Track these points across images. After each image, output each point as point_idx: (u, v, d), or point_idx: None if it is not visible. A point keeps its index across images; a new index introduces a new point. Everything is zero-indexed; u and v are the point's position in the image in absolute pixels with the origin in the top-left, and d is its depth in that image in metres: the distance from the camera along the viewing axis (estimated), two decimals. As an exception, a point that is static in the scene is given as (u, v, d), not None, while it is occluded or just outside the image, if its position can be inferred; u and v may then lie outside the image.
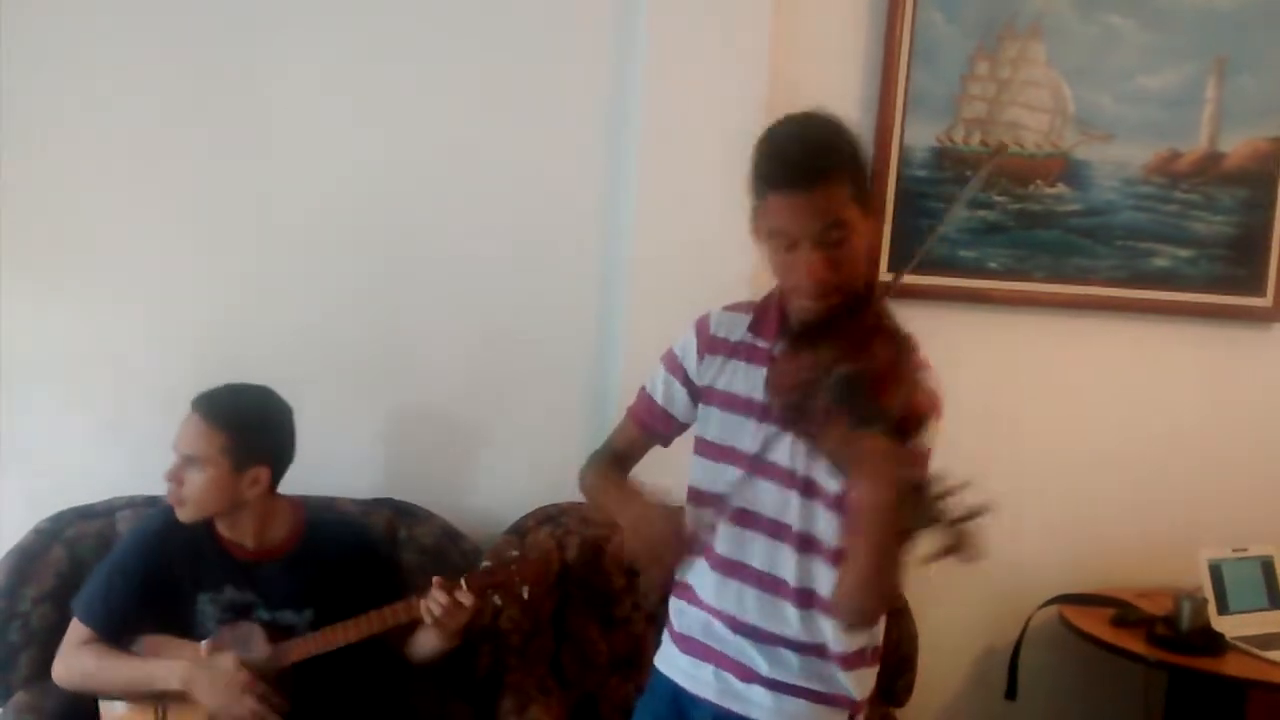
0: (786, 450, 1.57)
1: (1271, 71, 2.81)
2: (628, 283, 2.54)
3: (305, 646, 2.02)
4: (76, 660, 2.06)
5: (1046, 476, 2.84)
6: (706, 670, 1.66)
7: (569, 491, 2.52)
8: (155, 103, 2.43)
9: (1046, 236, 2.78)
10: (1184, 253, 2.83)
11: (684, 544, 1.62)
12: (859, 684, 1.64)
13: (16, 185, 2.39)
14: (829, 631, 1.59)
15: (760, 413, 1.59)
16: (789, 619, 1.59)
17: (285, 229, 2.50)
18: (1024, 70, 2.72)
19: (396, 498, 2.51)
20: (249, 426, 2.05)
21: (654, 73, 2.50)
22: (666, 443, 1.77)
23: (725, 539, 1.63)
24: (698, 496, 1.67)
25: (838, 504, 1.53)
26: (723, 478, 1.62)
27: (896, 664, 2.52)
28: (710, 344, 1.67)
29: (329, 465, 2.41)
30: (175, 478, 2.04)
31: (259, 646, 2.03)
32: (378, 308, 2.55)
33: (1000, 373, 2.81)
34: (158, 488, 2.34)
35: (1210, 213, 2.83)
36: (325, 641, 2.02)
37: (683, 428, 1.74)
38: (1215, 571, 2.62)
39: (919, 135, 2.70)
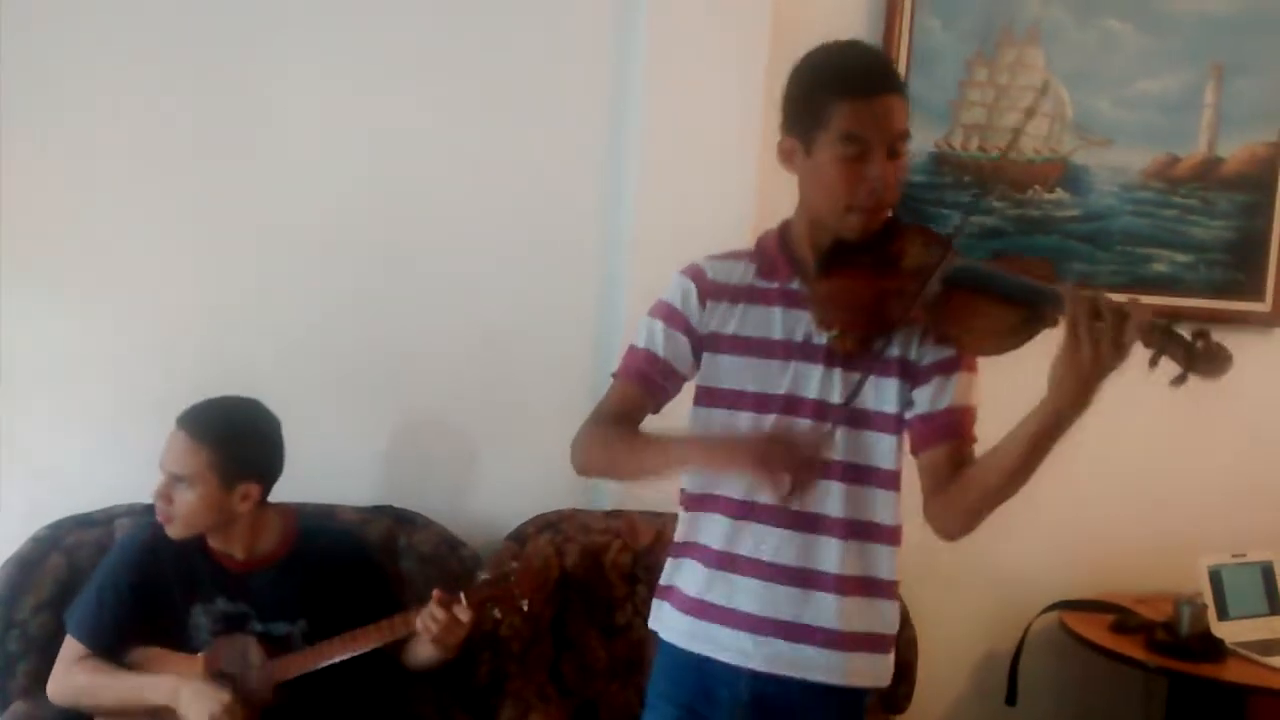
0: (820, 384, 1.56)
1: (1269, 76, 2.81)
2: (627, 289, 2.54)
3: (300, 663, 2.00)
4: (70, 678, 2.06)
5: (1046, 482, 2.80)
6: (735, 635, 1.59)
7: (568, 498, 2.55)
8: (154, 111, 2.43)
9: (1045, 242, 2.78)
10: (1183, 258, 2.83)
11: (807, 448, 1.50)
12: (889, 615, 1.63)
13: (16, 193, 2.39)
14: (884, 563, 1.60)
15: (784, 351, 1.57)
16: (828, 554, 1.57)
17: (284, 236, 2.50)
18: (1022, 76, 2.72)
19: (395, 505, 2.50)
20: (236, 441, 2.02)
21: (653, 77, 2.50)
22: (659, 406, 1.67)
23: (742, 483, 1.56)
24: None
25: (895, 424, 1.57)
26: (735, 425, 1.58)
27: (896, 670, 2.49)
28: (713, 289, 1.63)
29: (328, 473, 2.41)
30: (164, 496, 2.02)
31: (254, 659, 2.02)
32: (377, 314, 2.55)
33: (998, 379, 2.79)
34: (156, 496, 2.36)
35: (1209, 217, 2.83)
36: (320, 657, 2.00)
37: (680, 383, 1.67)
38: (1215, 577, 2.61)
39: (917, 141, 2.66)
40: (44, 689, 2.11)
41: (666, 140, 2.52)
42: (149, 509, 2.34)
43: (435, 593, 1.95)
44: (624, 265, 2.55)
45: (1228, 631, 2.55)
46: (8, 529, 2.32)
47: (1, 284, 2.40)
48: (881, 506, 1.59)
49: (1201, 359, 1.32)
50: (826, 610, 1.57)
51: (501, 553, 2.44)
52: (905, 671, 2.53)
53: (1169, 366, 1.34)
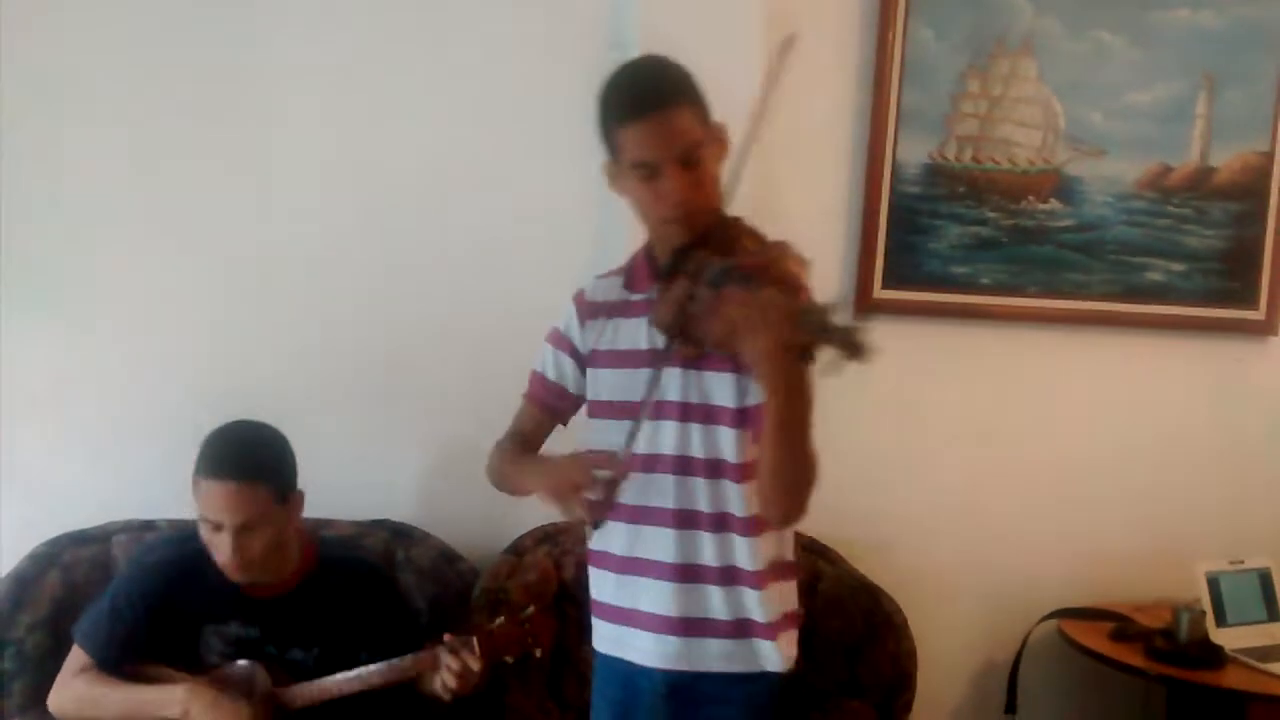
0: (678, 386, 1.61)
1: (1260, 86, 2.82)
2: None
3: (308, 694, 1.99)
4: (72, 689, 2.03)
5: (1042, 491, 2.84)
6: (641, 636, 1.67)
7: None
8: (152, 131, 2.44)
9: (1039, 252, 2.79)
10: (1177, 267, 2.84)
11: (596, 468, 1.58)
12: (771, 603, 1.64)
13: (13, 214, 2.39)
14: (742, 552, 1.62)
15: (649, 359, 1.62)
16: (704, 548, 1.63)
17: (280, 252, 2.51)
18: (1015, 87, 2.74)
19: (393, 519, 2.50)
20: (276, 462, 2.02)
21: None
22: (565, 420, 1.81)
23: (634, 489, 1.63)
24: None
25: (739, 419, 1.58)
26: (622, 433, 1.62)
27: (895, 681, 2.51)
28: (590, 309, 1.73)
29: (325, 487, 2.39)
30: (237, 549, 1.94)
31: (260, 684, 2.00)
32: (373, 329, 2.55)
33: (994, 389, 2.81)
34: (153, 512, 2.36)
35: (1202, 226, 2.84)
36: (326, 693, 1.99)
37: (577, 402, 1.77)
38: (1213, 584, 2.61)
39: (911, 152, 2.71)
40: (40, 706, 2.09)
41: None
42: (146, 525, 2.35)
43: (446, 638, 1.93)
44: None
45: (1226, 638, 2.55)
46: (4, 546, 2.33)
47: (0, 305, 2.40)
48: (734, 499, 1.62)
49: (844, 346, 1.30)
50: (712, 602, 1.64)
51: (500, 565, 2.44)
52: (905, 681, 2.53)
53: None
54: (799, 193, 2.60)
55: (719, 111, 2.52)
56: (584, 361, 1.74)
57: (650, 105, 1.55)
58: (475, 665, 1.90)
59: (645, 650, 1.68)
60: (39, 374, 2.44)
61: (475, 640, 1.90)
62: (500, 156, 2.56)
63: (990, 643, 2.83)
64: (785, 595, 1.70)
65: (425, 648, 1.98)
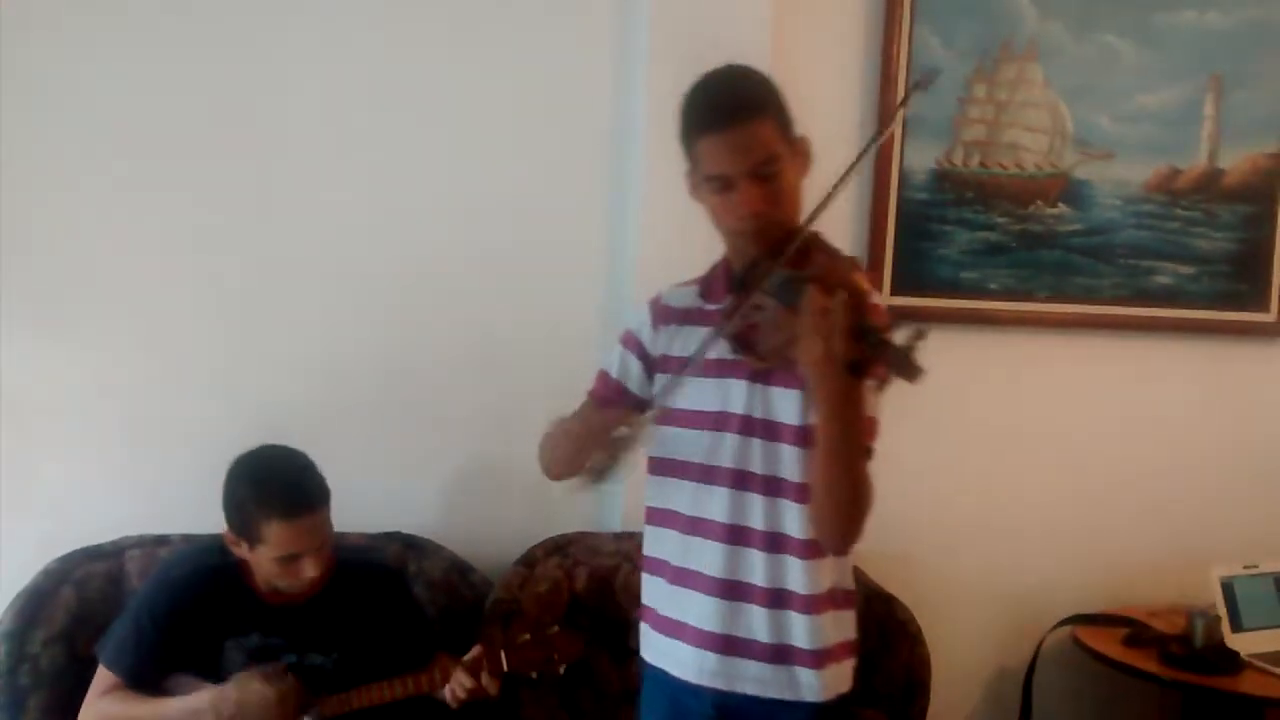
0: (743, 399, 1.60)
1: (1268, 88, 2.82)
2: (635, 307, 2.54)
3: (330, 706, 2.02)
4: (99, 708, 2.04)
5: (1054, 496, 2.84)
6: (683, 649, 1.65)
7: (577, 521, 2.55)
8: (159, 140, 2.44)
9: (1048, 256, 2.79)
10: (1186, 269, 2.84)
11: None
12: (822, 631, 1.62)
13: (23, 224, 2.40)
14: (796, 575, 1.60)
15: (716, 369, 1.62)
16: (754, 567, 1.60)
17: (292, 265, 2.51)
18: (1022, 92, 2.74)
19: (405, 531, 2.50)
20: (323, 478, 2.06)
21: (657, 98, 2.51)
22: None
23: (689, 499, 1.63)
24: (659, 465, 1.68)
25: (802, 437, 1.56)
26: (682, 440, 1.63)
27: (909, 688, 2.51)
28: (664, 314, 1.73)
29: (337, 500, 2.40)
30: (318, 570, 2.01)
31: (289, 682, 2.01)
32: (383, 341, 2.55)
33: (1004, 394, 2.80)
34: (166, 527, 2.36)
35: (1212, 229, 2.84)
36: (344, 705, 2.02)
37: (636, 403, 1.72)
38: (1228, 589, 2.60)
39: (918, 158, 2.71)
40: (55, 722, 2.11)
41: (669, 160, 2.52)
42: (159, 540, 2.35)
43: (477, 647, 1.98)
44: (630, 292, 2.56)
45: (1242, 643, 2.53)
46: (18, 562, 2.32)
47: (11, 318, 2.41)
48: (791, 519, 1.60)
49: (895, 363, 1.31)
50: (757, 623, 1.61)
51: (511, 577, 2.44)
52: (919, 689, 2.52)
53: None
54: (807, 200, 2.60)
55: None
56: (652, 365, 1.73)
57: (727, 118, 1.54)
58: (493, 690, 1.95)
59: (684, 663, 1.66)
60: (51, 391, 2.44)
61: (502, 654, 1.96)
62: (522, 175, 2.56)
63: (1004, 650, 2.83)
64: (841, 624, 1.67)
65: (444, 659, 2.02)
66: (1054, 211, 2.79)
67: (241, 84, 2.47)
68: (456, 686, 1.97)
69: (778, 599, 1.61)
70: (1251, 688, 2.43)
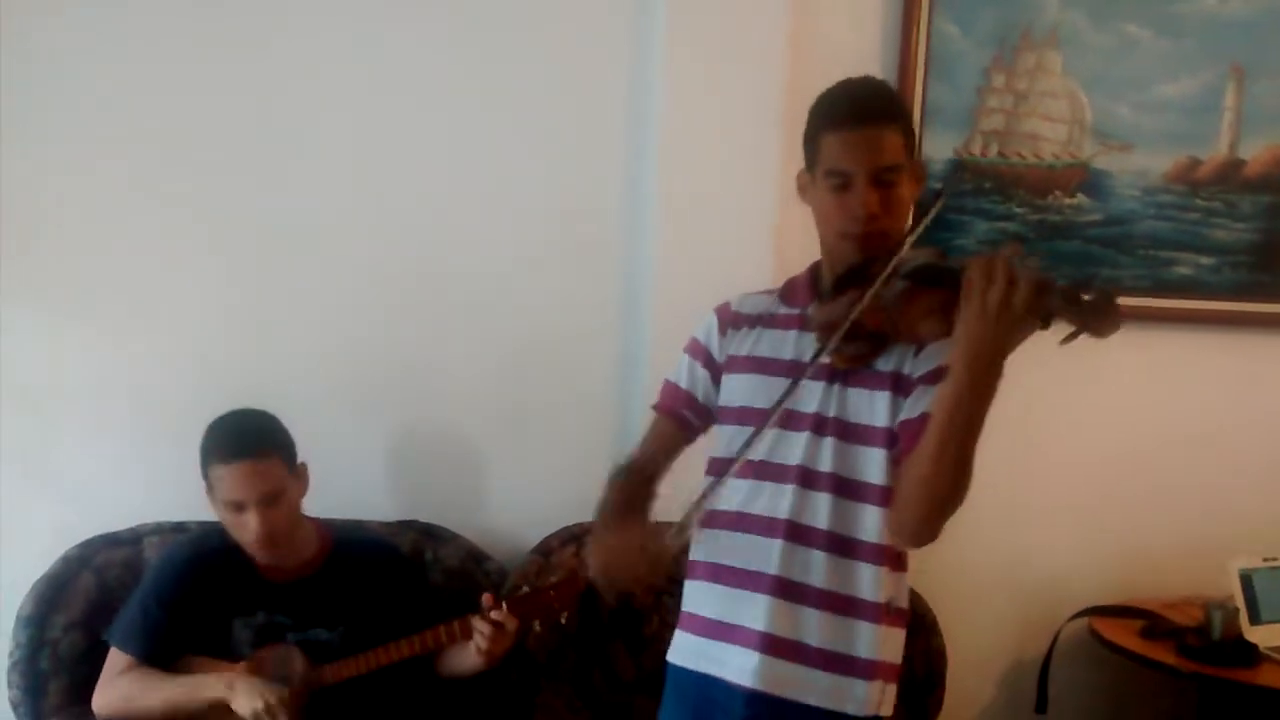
0: (817, 399, 1.59)
1: (1290, 77, 2.80)
2: (651, 297, 2.55)
3: (344, 668, 2.04)
4: (115, 687, 2.07)
5: (1073, 488, 2.82)
6: (729, 649, 1.61)
7: (593, 509, 2.54)
8: (163, 128, 2.45)
9: (1067, 247, 2.77)
10: (1206, 260, 2.82)
11: (651, 570, 1.56)
12: (881, 644, 1.59)
13: (33, 214, 2.41)
14: (866, 581, 1.57)
15: (787, 370, 1.60)
16: (812, 567, 1.58)
17: (309, 252, 2.52)
18: (1041, 81, 2.72)
19: (421, 519, 2.51)
20: (278, 434, 2.12)
21: (673, 94, 2.51)
22: (692, 437, 1.77)
23: (744, 494, 1.61)
24: (719, 465, 1.65)
25: (888, 439, 1.54)
26: (739, 439, 1.60)
27: (925, 680, 2.50)
28: (734, 319, 1.71)
29: (354, 488, 2.42)
30: (262, 525, 2.03)
31: (298, 666, 2.04)
32: (400, 329, 2.56)
33: (1022, 386, 2.76)
34: (184, 514, 2.38)
35: (1232, 220, 2.81)
36: (365, 664, 2.04)
37: (705, 414, 1.73)
38: (1246, 581, 2.58)
39: (937, 148, 2.69)
40: (76, 706, 2.13)
41: (687, 158, 2.53)
42: (178, 527, 2.37)
43: (486, 596, 2.02)
44: (647, 279, 2.56)
45: (1261, 636, 2.52)
46: (38, 549, 2.34)
47: (28, 306, 2.43)
48: (868, 523, 1.57)
49: (1090, 315, 1.30)
50: (809, 625, 1.58)
51: (528, 564, 2.44)
52: (935, 680, 2.52)
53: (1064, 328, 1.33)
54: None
55: (736, 110, 2.53)
56: (718, 371, 1.71)
57: (862, 116, 1.55)
58: (510, 625, 1.98)
59: (727, 663, 1.61)
60: (68, 379, 2.46)
61: (504, 605, 1.99)
62: (538, 165, 2.56)
63: (1020, 641, 2.82)
64: (892, 642, 1.63)
65: (453, 620, 2.05)
66: (1073, 202, 2.77)
67: (250, 76, 2.48)
68: (478, 637, 1.99)
69: (839, 603, 1.58)
70: (1269, 680, 2.41)
